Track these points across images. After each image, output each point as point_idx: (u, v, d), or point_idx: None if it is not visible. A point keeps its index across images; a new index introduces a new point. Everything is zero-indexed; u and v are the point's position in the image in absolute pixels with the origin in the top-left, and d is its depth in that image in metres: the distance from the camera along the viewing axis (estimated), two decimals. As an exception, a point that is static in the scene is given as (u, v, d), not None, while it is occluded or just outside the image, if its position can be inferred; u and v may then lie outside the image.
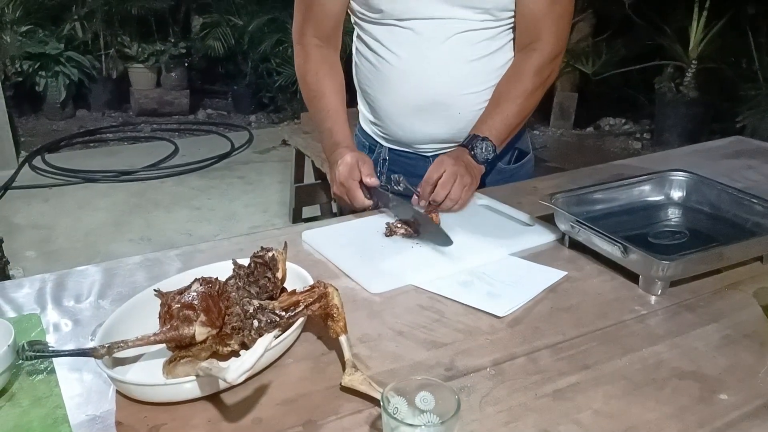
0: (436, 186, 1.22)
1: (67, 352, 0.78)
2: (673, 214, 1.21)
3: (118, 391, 0.79)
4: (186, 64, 5.67)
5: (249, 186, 4.15)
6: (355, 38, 1.43)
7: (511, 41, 1.34)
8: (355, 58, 1.45)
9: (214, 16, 5.49)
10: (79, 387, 0.80)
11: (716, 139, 1.86)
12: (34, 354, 0.76)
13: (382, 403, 0.65)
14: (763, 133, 3.41)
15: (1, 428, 0.72)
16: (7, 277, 2.01)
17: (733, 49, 4.50)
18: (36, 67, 5.08)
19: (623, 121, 5.32)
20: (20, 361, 0.78)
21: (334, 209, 3.38)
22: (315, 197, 3.50)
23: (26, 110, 5.38)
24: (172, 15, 5.61)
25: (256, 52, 5.33)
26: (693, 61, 4.61)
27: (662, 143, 4.68)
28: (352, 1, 1.34)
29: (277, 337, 0.80)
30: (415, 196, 1.26)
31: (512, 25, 1.31)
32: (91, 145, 4.99)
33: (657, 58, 4.81)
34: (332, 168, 1.34)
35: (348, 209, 1.34)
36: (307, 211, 3.55)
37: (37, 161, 4.48)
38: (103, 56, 5.45)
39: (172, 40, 5.63)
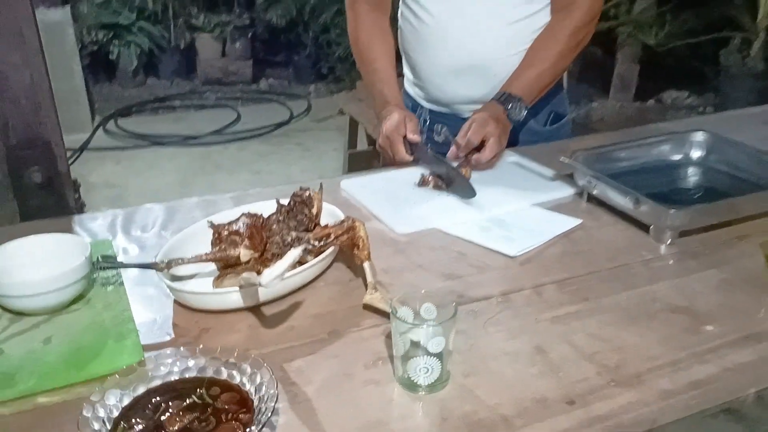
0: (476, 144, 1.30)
1: (134, 265, 0.92)
2: (692, 173, 1.26)
3: (175, 301, 0.93)
4: (249, 35, 5.84)
5: (306, 152, 4.31)
6: (401, 4, 1.52)
7: (548, 5, 1.40)
8: (399, 22, 1.54)
9: (277, -13, 5.63)
10: (143, 297, 0.94)
11: None
12: (106, 265, 0.91)
13: (391, 310, 0.76)
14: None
15: (80, 325, 0.87)
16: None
17: (805, 19, 4.32)
18: (110, 36, 5.36)
19: (686, 94, 5.18)
20: (95, 272, 0.93)
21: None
22: (367, 163, 3.62)
23: (101, 77, 5.68)
24: (237, -14, 5.79)
25: (316, 23, 5.45)
26: (762, 32, 4.44)
27: (725, 117, 4.56)
28: (397, -33, 1.43)
29: (306, 256, 0.92)
30: (453, 148, 1.35)
31: (550, -13, 1.36)
32: (160, 111, 5.25)
33: (724, 29, 4.66)
34: (381, 123, 1.45)
35: (390, 162, 1.45)
36: (360, 177, 3.67)
37: (110, 125, 4.76)
38: (172, 26, 5.67)
39: (237, 11, 5.81)
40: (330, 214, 1.08)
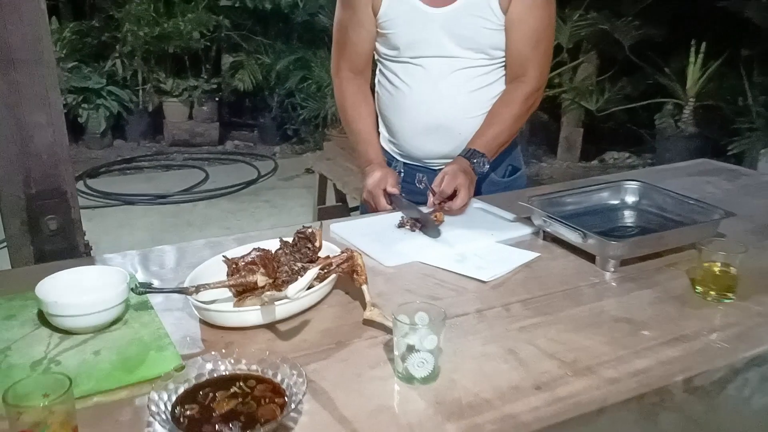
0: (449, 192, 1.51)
1: (168, 290, 1.08)
2: (627, 214, 1.49)
3: (201, 320, 1.08)
4: (216, 99, 6.08)
5: (274, 209, 4.49)
6: (377, 73, 1.76)
7: (503, 77, 1.65)
8: (377, 88, 1.77)
9: (243, 55, 5.92)
10: (171, 319, 1.10)
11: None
12: (144, 290, 1.06)
13: (393, 317, 0.94)
14: (752, 161, 3.67)
15: (123, 340, 1.02)
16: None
17: (728, 87, 4.80)
18: (80, 100, 5.51)
19: (627, 155, 5.60)
20: (131, 298, 1.08)
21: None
22: (336, 217, 3.81)
23: (69, 139, 5.79)
24: (204, 53, 6.04)
25: (281, 88, 5.73)
26: (691, 99, 4.91)
27: (663, 175, 4.94)
28: (377, 43, 1.67)
29: (313, 282, 1.10)
30: (430, 197, 1.55)
31: (503, 63, 1.62)
32: (128, 172, 5.38)
33: (658, 96, 5.12)
34: (365, 178, 1.66)
35: (372, 211, 1.65)
36: (328, 232, 3.85)
37: (79, 185, 4.85)
38: (141, 91, 5.88)
39: (204, 77, 6.06)
40: (327, 249, 1.26)
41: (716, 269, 1.19)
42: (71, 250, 1.58)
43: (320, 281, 1.13)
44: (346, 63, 1.69)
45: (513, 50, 1.57)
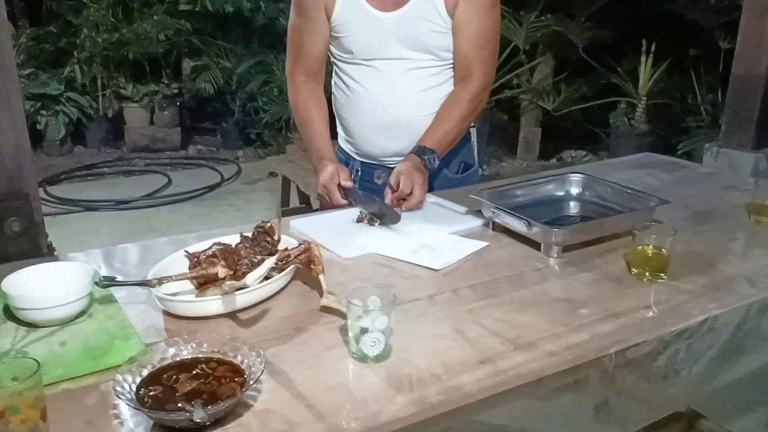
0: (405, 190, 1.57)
1: (131, 282, 1.13)
2: (572, 205, 1.59)
3: (164, 312, 1.13)
4: (178, 104, 6.06)
5: (239, 212, 4.50)
6: (333, 75, 1.82)
7: (452, 77, 1.73)
8: (333, 89, 1.83)
9: (204, 59, 5.92)
10: (135, 311, 1.14)
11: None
12: (107, 283, 1.10)
13: (347, 301, 1.00)
14: (698, 158, 3.83)
15: (88, 331, 1.06)
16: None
17: (678, 86, 5.00)
18: (38, 107, 5.44)
19: (584, 153, 5.77)
20: (95, 291, 1.12)
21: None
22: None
23: (27, 147, 5.71)
24: (165, 58, 6.02)
25: (243, 92, 5.75)
26: (642, 98, 5.09)
27: (618, 172, 5.11)
28: (331, 46, 1.73)
29: (272, 273, 1.16)
30: (389, 194, 1.61)
31: (452, 64, 1.70)
32: (89, 178, 5.33)
33: (611, 95, 5.30)
34: (317, 175, 1.71)
35: (329, 206, 1.71)
36: (293, 233, 3.90)
37: (40, 192, 4.79)
38: (100, 96, 5.82)
39: (165, 82, 6.03)
40: (286, 243, 1.31)
41: (649, 251, 1.28)
42: (35, 251, 1.61)
43: (279, 272, 1.19)
44: (300, 67, 1.75)
45: (459, 52, 1.65)
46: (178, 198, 4.74)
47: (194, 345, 0.95)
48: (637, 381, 1.12)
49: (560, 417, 1.09)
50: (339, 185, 1.66)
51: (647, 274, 1.27)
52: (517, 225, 1.41)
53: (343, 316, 1.10)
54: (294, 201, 3.89)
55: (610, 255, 1.39)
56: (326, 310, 1.14)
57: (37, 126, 5.52)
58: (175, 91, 6.02)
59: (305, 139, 1.78)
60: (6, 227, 1.53)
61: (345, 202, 1.66)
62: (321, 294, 1.16)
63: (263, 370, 0.89)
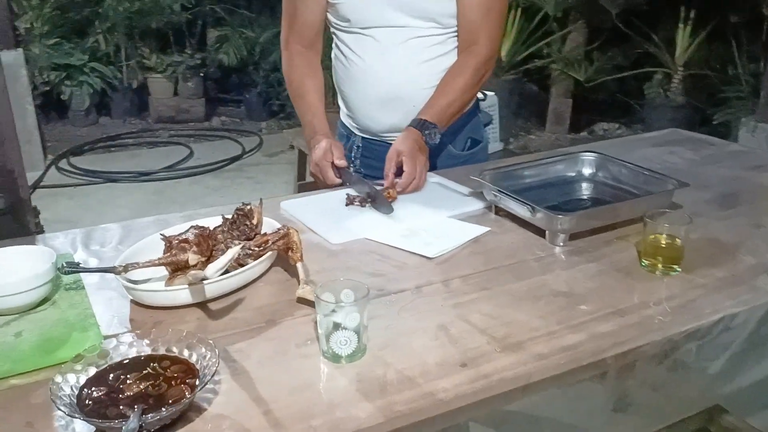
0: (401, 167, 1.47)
1: (94, 269, 1.06)
2: (584, 187, 1.47)
3: (131, 301, 1.06)
4: (201, 74, 6.00)
5: (258, 185, 4.46)
6: (333, 46, 1.71)
7: (456, 48, 1.61)
8: (333, 61, 1.73)
9: (227, 29, 5.84)
10: (102, 299, 1.08)
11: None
12: (70, 269, 1.04)
13: (315, 295, 0.92)
14: (734, 130, 3.63)
15: (47, 321, 1.00)
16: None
17: (717, 55, 4.74)
18: (62, 77, 5.44)
19: (617, 125, 5.55)
20: (60, 277, 1.06)
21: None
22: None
23: (53, 117, 5.74)
24: (188, 28, 5.96)
25: (266, 62, 5.66)
26: (679, 68, 4.84)
27: (651, 146, 4.90)
28: (327, 13, 1.62)
29: (247, 260, 1.08)
30: (387, 170, 1.50)
31: (456, 33, 1.57)
32: (113, 149, 5.33)
33: (647, 65, 5.06)
34: (311, 151, 1.62)
35: (322, 185, 1.62)
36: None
37: (63, 164, 4.81)
38: (124, 67, 5.80)
39: (189, 52, 5.97)
40: (269, 227, 1.23)
41: (662, 241, 1.17)
42: (22, 230, 1.56)
43: (255, 259, 1.11)
44: (295, 36, 1.64)
45: (463, 18, 1.53)
46: (198, 170, 4.71)
47: (148, 341, 0.88)
48: (638, 386, 1.02)
49: (578, 406, 1.00)
50: (332, 164, 1.56)
51: (659, 265, 1.16)
52: (521, 210, 1.31)
53: (320, 308, 1.02)
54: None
55: (621, 243, 1.27)
56: (303, 301, 1.06)
57: (62, 96, 5.53)
58: (198, 61, 5.96)
59: (299, 112, 1.69)
60: (-11, 205, 1.48)
61: (338, 181, 1.57)
62: (299, 283, 1.08)
63: (215, 372, 0.81)
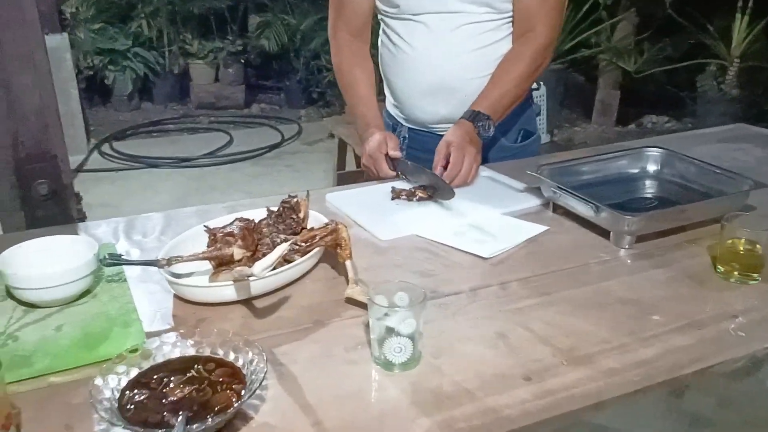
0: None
1: (137, 262, 1.02)
2: (648, 185, 1.37)
3: (174, 295, 1.02)
4: (242, 61, 5.99)
5: (297, 173, 4.43)
6: (380, 33, 1.64)
7: (511, 34, 1.52)
8: (380, 48, 1.66)
9: (269, 15, 5.80)
10: (145, 292, 1.04)
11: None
12: (112, 261, 1.00)
13: (368, 297, 0.86)
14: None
15: (88, 314, 0.96)
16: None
17: (776, 48, 4.52)
18: (106, 62, 5.49)
19: (666, 119, 5.35)
20: (101, 269, 1.03)
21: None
22: (355, 182, 3.73)
23: (96, 102, 5.80)
24: (230, 14, 5.94)
25: (307, 50, 5.61)
26: (735, 60, 4.63)
27: (702, 141, 4.72)
28: (376, 0, 1.55)
29: (294, 256, 1.02)
30: (436, 162, 1.43)
31: (511, 18, 1.49)
32: (154, 134, 5.36)
33: (700, 56, 4.85)
34: (363, 144, 1.56)
35: (374, 178, 1.56)
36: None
37: (105, 148, 4.86)
38: (167, 52, 5.82)
39: (230, 38, 5.97)
40: (315, 220, 1.18)
41: (740, 247, 1.07)
42: (64, 216, 1.54)
43: (302, 255, 1.06)
44: (343, 25, 1.58)
45: (520, 3, 1.44)
46: (237, 157, 4.70)
47: (192, 341, 0.83)
48: (718, 406, 0.94)
49: (650, 422, 0.92)
50: (386, 155, 1.50)
51: (736, 273, 1.07)
52: (583, 209, 1.22)
53: (370, 310, 0.96)
54: (351, 164, 3.76)
55: (691, 247, 1.18)
56: (351, 301, 1.00)
57: (106, 81, 5.58)
58: (240, 47, 5.95)
59: (349, 104, 1.63)
60: (33, 190, 1.46)
61: (393, 173, 1.51)
62: (348, 282, 1.03)
63: (263, 379, 0.76)
